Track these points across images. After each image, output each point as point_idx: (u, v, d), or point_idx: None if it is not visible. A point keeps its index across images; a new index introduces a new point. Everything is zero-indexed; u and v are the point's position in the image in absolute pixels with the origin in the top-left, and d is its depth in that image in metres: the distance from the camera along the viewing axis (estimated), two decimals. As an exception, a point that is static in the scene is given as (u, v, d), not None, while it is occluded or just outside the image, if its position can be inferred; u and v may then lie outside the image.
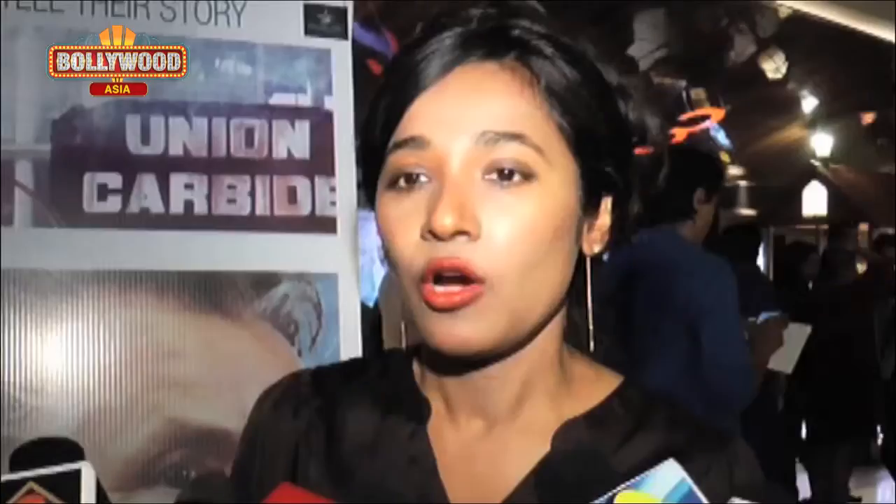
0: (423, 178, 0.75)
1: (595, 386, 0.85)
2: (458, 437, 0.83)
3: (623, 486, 0.59)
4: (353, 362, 0.96)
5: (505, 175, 0.73)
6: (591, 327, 0.84)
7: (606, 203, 0.82)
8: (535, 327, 0.79)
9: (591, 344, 0.84)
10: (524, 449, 0.81)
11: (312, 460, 0.85)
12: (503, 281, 0.73)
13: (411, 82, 0.76)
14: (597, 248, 0.82)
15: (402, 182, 0.76)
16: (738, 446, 0.83)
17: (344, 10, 1.78)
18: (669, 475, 0.59)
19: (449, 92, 0.75)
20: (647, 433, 0.82)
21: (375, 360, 0.93)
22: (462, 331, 0.73)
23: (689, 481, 0.59)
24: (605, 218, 0.82)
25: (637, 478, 0.59)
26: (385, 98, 0.78)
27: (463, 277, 0.72)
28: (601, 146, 0.78)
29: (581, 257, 0.82)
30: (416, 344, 0.87)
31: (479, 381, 0.81)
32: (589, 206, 0.79)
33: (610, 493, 0.59)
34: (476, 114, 0.74)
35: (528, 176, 0.73)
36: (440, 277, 0.73)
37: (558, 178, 0.75)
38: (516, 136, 0.73)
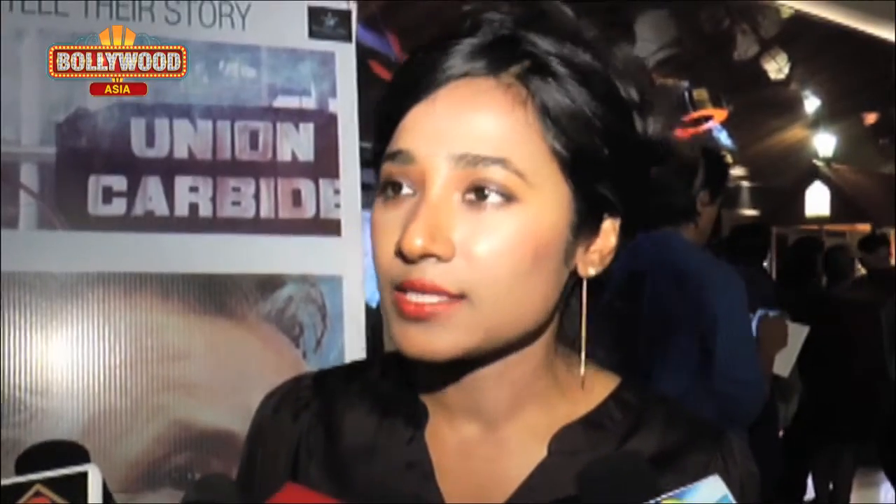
0: (407, 190, 0.75)
1: (591, 389, 0.84)
2: (456, 440, 0.83)
3: (666, 495, 0.59)
4: (354, 365, 0.97)
5: (483, 195, 0.72)
6: (583, 352, 0.82)
7: (613, 225, 0.80)
8: (519, 339, 0.78)
9: (582, 369, 0.83)
10: (521, 452, 0.81)
11: (312, 463, 0.86)
12: (479, 297, 0.72)
13: (408, 92, 0.76)
14: (593, 271, 0.80)
15: (389, 191, 0.76)
16: (733, 441, 0.83)
17: (348, 13, 1.78)
18: (713, 489, 0.60)
19: (438, 107, 0.74)
20: (644, 434, 0.82)
21: (376, 361, 0.93)
22: (427, 340, 0.73)
23: (731, 498, 0.59)
24: (607, 240, 0.80)
25: (680, 489, 0.60)
26: (386, 104, 0.78)
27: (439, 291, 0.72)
28: (601, 169, 0.76)
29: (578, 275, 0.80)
30: None
31: (470, 382, 0.80)
32: (584, 228, 0.78)
33: (653, 501, 0.59)
34: (460, 134, 0.73)
35: (508, 198, 0.73)
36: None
37: (543, 200, 0.74)
38: (498, 161, 0.72)
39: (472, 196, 0.73)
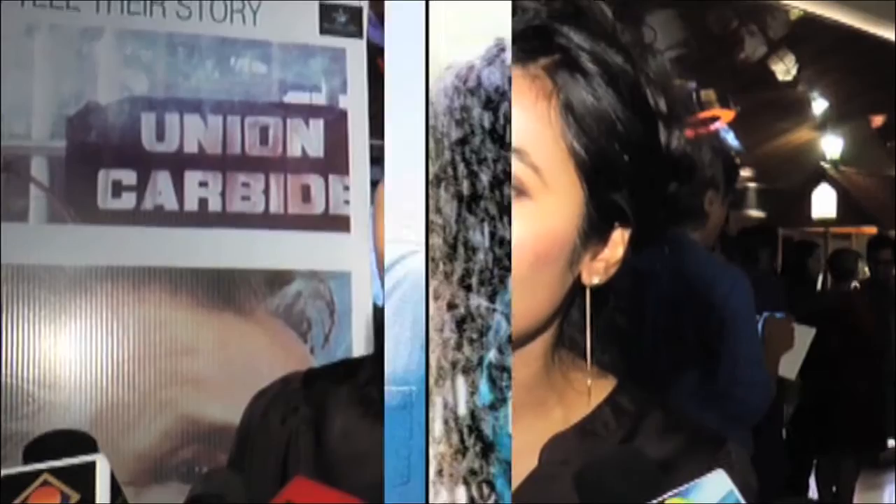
0: None
1: (586, 394, 0.82)
2: None
3: (671, 492, 0.58)
4: (344, 364, 0.94)
5: None
6: (589, 363, 0.80)
7: (622, 235, 0.77)
8: (516, 341, 0.74)
9: (589, 381, 0.81)
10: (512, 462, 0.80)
11: (301, 467, 0.84)
12: None
13: None
14: (596, 280, 0.77)
15: None
16: (733, 451, 0.80)
17: (359, 10, 1.78)
18: (718, 485, 0.58)
19: None
20: (640, 442, 0.79)
21: (367, 362, 0.91)
22: None
23: (737, 493, 0.57)
24: (615, 251, 0.77)
25: (685, 486, 0.58)
26: None
27: None
28: (619, 176, 0.74)
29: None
30: None
31: None
32: (593, 236, 0.74)
33: (658, 500, 0.58)
34: None
35: (519, 192, 0.69)
36: None
37: (555, 200, 0.71)
38: (514, 151, 0.69)
39: None
